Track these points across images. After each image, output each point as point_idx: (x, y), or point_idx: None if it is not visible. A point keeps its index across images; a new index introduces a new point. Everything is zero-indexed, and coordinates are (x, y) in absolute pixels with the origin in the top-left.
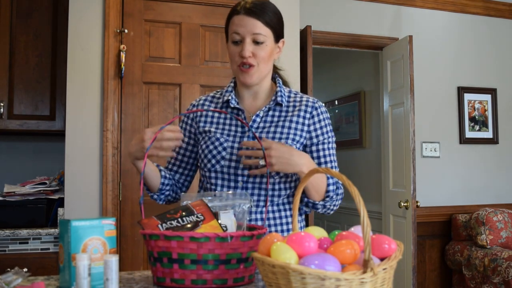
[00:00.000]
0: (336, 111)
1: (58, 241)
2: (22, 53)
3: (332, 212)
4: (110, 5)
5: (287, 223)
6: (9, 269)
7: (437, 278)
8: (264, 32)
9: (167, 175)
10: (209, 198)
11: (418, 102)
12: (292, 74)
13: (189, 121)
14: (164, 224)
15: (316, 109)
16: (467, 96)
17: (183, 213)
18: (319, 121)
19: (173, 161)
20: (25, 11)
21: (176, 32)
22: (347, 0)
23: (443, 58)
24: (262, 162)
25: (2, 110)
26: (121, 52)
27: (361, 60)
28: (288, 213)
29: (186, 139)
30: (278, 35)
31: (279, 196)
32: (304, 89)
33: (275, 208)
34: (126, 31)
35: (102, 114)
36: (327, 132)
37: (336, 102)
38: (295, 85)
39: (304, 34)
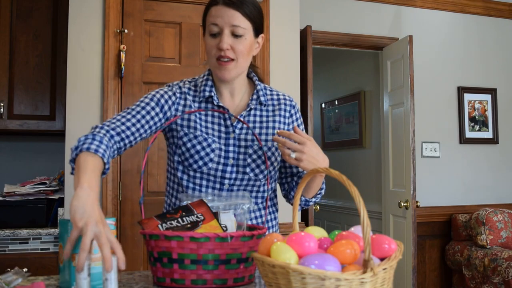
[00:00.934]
0: (336, 111)
1: (58, 241)
2: (22, 53)
3: None
4: (110, 5)
5: (267, 221)
6: (9, 269)
7: (437, 278)
8: (244, 24)
9: (106, 151)
10: (209, 198)
11: (418, 102)
12: (292, 74)
13: (170, 103)
14: (164, 224)
15: (293, 107)
16: (467, 96)
17: (183, 213)
18: (297, 119)
19: (128, 116)
20: (25, 11)
21: (176, 32)
22: (347, 0)
23: (443, 58)
24: (293, 155)
25: (2, 110)
26: (121, 52)
27: (361, 60)
28: (267, 210)
29: (157, 110)
30: (258, 29)
31: (262, 197)
32: (304, 89)
33: (256, 207)
34: (126, 31)
35: (102, 114)
36: (302, 130)
37: (336, 102)
38: (295, 85)
39: (304, 34)
